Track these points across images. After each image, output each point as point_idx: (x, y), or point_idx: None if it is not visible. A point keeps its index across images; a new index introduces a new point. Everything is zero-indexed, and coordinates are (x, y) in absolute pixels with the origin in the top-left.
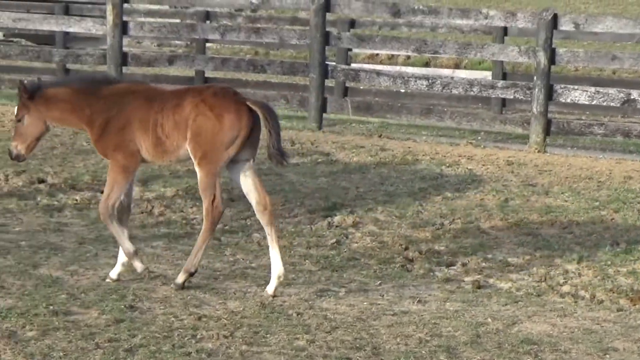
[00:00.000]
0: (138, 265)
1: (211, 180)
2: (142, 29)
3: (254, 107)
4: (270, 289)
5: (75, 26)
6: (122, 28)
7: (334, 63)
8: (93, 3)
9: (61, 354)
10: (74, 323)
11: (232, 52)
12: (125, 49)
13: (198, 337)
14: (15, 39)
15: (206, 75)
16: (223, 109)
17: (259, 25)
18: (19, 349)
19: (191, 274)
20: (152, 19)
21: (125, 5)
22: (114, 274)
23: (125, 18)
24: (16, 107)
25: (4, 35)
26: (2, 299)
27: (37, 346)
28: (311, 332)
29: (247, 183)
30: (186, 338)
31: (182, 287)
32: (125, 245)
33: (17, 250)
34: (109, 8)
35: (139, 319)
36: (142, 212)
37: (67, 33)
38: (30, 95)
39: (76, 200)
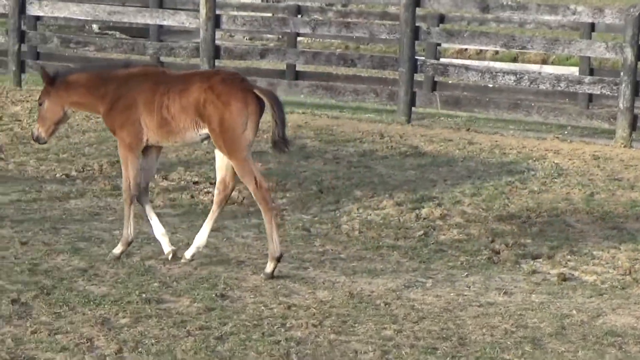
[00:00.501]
0: (118, 250)
1: (244, 165)
2: (234, 22)
3: (260, 95)
4: (188, 253)
5: (169, 19)
6: (215, 21)
7: (423, 58)
8: None
9: (153, 340)
10: (165, 311)
11: (323, 46)
12: (217, 42)
13: (287, 325)
14: (110, 32)
15: (297, 68)
16: (231, 96)
17: (349, 20)
18: (112, 336)
19: (278, 260)
20: (244, 13)
21: None
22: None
23: (218, 11)
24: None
25: (99, 28)
26: (96, 287)
27: (129, 333)
28: (398, 322)
29: (221, 161)
30: (275, 327)
31: (272, 276)
32: (128, 230)
33: (111, 239)
34: (202, 1)
35: (230, 307)
36: (234, 203)
37: (161, 26)
38: (51, 80)
39: (169, 190)
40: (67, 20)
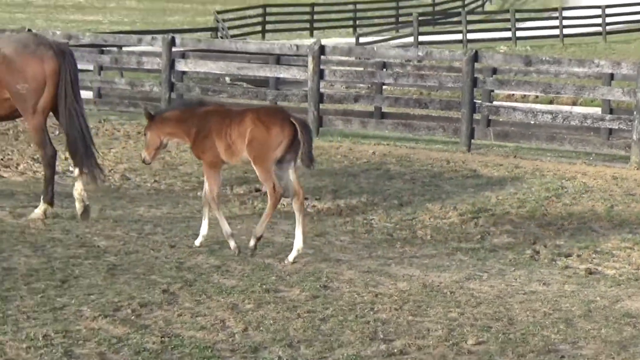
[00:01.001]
0: (232, 244)
1: (267, 174)
2: (334, 74)
3: (294, 122)
4: (290, 257)
5: (285, 73)
6: (320, 74)
7: (480, 101)
8: (298, 55)
9: (271, 321)
10: (281, 298)
11: (402, 93)
12: (321, 90)
13: (375, 309)
14: (238, 83)
15: (383, 110)
16: (271, 123)
17: (423, 72)
18: (240, 318)
19: (258, 239)
20: (341, 67)
21: (322, 56)
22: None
23: (322, 67)
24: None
25: (230, 80)
26: (227, 280)
27: (253, 315)
28: (461, 307)
29: (289, 177)
30: (366, 310)
31: (255, 249)
32: (225, 228)
33: (240, 242)
34: (310, 59)
35: (330, 295)
36: (333, 214)
37: (278, 78)
38: (151, 117)
39: (283, 205)
40: (205, 74)
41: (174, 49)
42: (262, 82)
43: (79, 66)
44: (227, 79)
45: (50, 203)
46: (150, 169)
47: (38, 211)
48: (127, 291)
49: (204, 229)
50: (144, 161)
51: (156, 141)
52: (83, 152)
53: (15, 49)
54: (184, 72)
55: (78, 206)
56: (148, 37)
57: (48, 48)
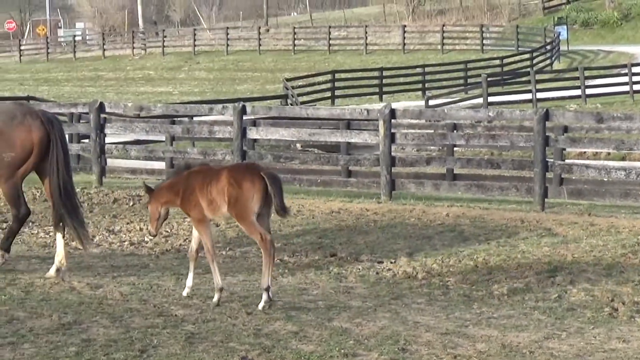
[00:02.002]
0: (216, 298)
1: (251, 227)
2: (405, 137)
3: (263, 176)
4: (260, 305)
5: (356, 137)
6: (391, 138)
7: (552, 160)
8: (368, 120)
9: None
10: None
11: (474, 154)
12: (393, 153)
13: None
14: (309, 149)
15: (455, 171)
16: (242, 179)
17: (494, 132)
18: None
19: (267, 290)
20: (412, 130)
21: (393, 120)
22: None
23: (393, 130)
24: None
25: (301, 146)
26: (305, 345)
27: None
28: None
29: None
30: None
31: (270, 300)
32: (217, 280)
33: (315, 308)
34: (380, 123)
35: (409, 358)
36: (409, 277)
37: (349, 143)
38: (150, 191)
39: (359, 269)
40: (277, 141)
41: (244, 117)
42: (333, 148)
43: (151, 137)
44: (298, 145)
45: (7, 250)
46: (225, 237)
47: None
48: (206, 359)
49: (189, 281)
50: (149, 234)
51: (155, 213)
52: (71, 219)
53: (3, 121)
54: (255, 140)
55: (53, 269)
56: (219, 106)
57: (35, 117)
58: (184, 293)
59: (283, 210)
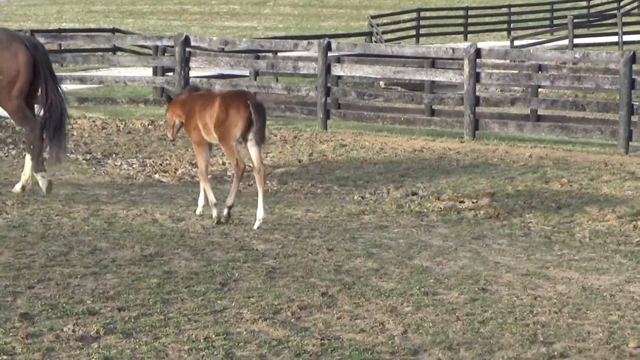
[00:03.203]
0: (215, 213)
1: (230, 150)
2: (490, 77)
3: (249, 104)
4: (255, 226)
5: (440, 76)
6: (476, 77)
7: (638, 103)
8: (453, 59)
9: (430, 324)
10: (439, 301)
11: (558, 95)
12: (477, 93)
13: (534, 312)
14: (393, 87)
15: (538, 113)
16: (229, 106)
17: (579, 74)
18: (399, 320)
19: (230, 207)
20: (497, 70)
21: (478, 59)
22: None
23: (477, 70)
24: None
25: (384, 84)
26: (386, 283)
27: (412, 318)
28: (621, 310)
29: (252, 153)
30: (525, 313)
31: (229, 217)
32: (211, 197)
33: (396, 246)
34: (465, 63)
35: (489, 298)
36: (490, 217)
37: (433, 81)
38: (169, 99)
39: (440, 208)
40: (360, 78)
41: (329, 54)
42: (416, 86)
43: (235, 72)
44: (382, 83)
45: (43, 170)
46: (307, 172)
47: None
48: (286, 294)
49: (201, 200)
50: (168, 139)
51: (171, 121)
52: (52, 134)
53: None
54: (339, 77)
55: (18, 186)
56: (304, 42)
57: (20, 42)
58: (197, 211)
59: (260, 139)
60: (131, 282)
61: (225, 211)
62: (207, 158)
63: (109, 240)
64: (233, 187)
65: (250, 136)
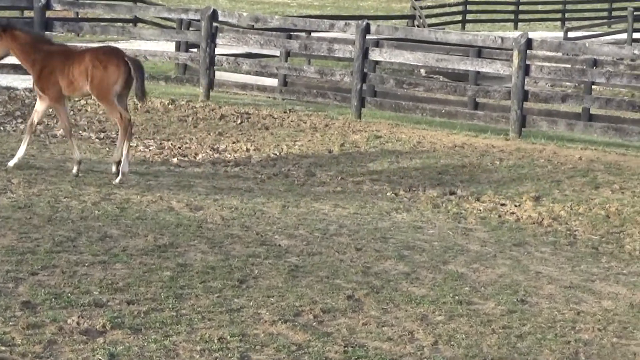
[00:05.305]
0: (74, 170)
1: (112, 106)
2: (541, 71)
3: (128, 61)
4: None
5: (487, 67)
6: (525, 70)
7: None
8: (501, 49)
9: (463, 336)
10: (474, 311)
11: (613, 93)
12: (526, 87)
13: (577, 329)
14: (434, 76)
15: (591, 112)
16: (107, 62)
17: (638, 72)
18: (430, 330)
19: (118, 163)
20: (548, 64)
21: (529, 51)
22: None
23: (527, 62)
24: None
25: (425, 72)
26: (417, 288)
27: (444, 328)
28: None
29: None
30: (566, 329)
31: (118, 174)
32: (76, 154)
33: (430, 249)
34: (515, 53)
35: (528, 311)
36: (534, 223)
37: (478, 72)
38: (3, 29)
39: (480, 210)
40: (400, 65)
41: (368, 37)
42: (459, 76)
43: (265, 51)
44: (423, 71)
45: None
46: (338, 164)
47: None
48: (309, 295)
49: (20, 152)
50: None
51: (1, 52)
52: None
53: None
54: (377, 62)
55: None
56: (341, 23)
57: None
58: (10, 164)
59: (142, 94)
60: (142, 273)
61: (113, 168)
62: (67, 113)
63: (121, 227)
64: (120, 142)
65: (125, 92)
